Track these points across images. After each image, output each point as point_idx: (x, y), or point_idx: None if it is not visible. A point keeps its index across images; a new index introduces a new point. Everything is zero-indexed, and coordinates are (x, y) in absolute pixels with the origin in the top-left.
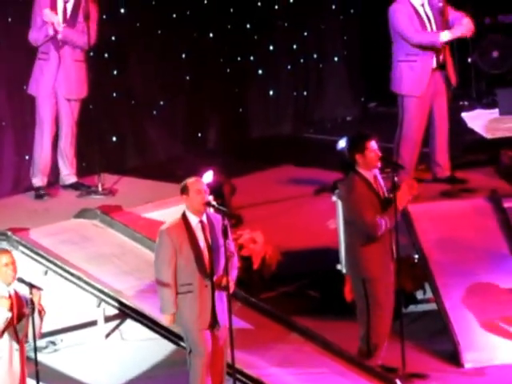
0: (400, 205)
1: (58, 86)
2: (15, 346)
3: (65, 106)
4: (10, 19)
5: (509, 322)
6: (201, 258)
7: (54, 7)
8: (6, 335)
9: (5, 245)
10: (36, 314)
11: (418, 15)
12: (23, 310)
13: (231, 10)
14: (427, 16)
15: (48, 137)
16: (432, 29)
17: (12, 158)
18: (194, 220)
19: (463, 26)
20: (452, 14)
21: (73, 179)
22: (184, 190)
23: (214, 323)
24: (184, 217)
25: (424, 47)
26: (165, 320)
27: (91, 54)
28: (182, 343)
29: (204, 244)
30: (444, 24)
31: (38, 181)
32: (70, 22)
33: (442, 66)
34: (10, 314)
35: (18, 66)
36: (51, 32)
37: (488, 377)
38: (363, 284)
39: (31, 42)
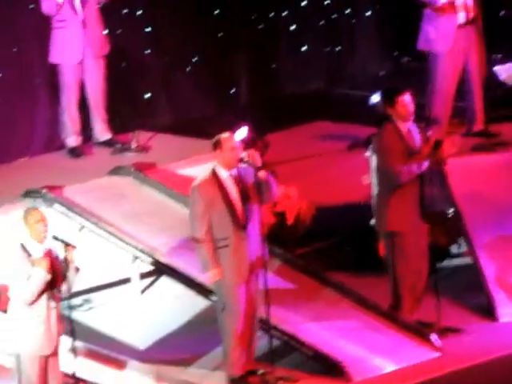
0: (443, 157)
1: (82, 47)
2: (52, 304)
3: (92, 65)
4: None
5: None
6: (234, 211)
7: None
8: (45, 303)
9: (40, 202)
10: (71, 272)
11: None
12: (58, 268)
13: None
14: None
15: (76, 98)
16: None
17: (45, 116)
18: (224, 174)
19: None
20: None
21: (106, 136)
22: (217, 146)
23: (250, 274)
24: (214, 172)
25: (448, 6)
26: (209, 277)
27: (124, 11)
28: (214, 299)
29: (236, 197)
30: None
31: (72, 141)
32: None
33: (470, 22)
34: (49, 276)
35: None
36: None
37: (490, 338)
38: (390, 237)
39: (45, 13)
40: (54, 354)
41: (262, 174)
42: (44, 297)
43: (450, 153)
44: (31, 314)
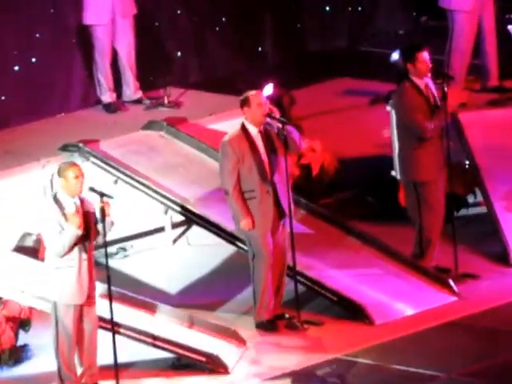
0: (449, 108)
1: (113, 8)
2: (84, 255)
3: (122, 25)
4: None
5: None
6: (262, 166)
7: None
8: (78, 252)
9: (76, 156)
10: (106, 224)
11: None
12: (91, 220)
13: None
14: None
15: (109, 57)
16: None
17: (81, 74)
18: (253, 130)
19: None
20: None
21: (138, 94)
22: (245, 103)
23: (281, 216)
24: (243, 127)
25: None
26: (242, 226)
27: None
28: (245, 247)
29: (264, 152)
30: None
31: (107, 97)
32: None
33: None
34: (80, 232)
35: None
36: None
37: (503, 283)
38: (415, 187)
39: None
40: (89, 301)
41: (289, 128)
42: (76, 249)
43: (455, 104)
44: (63, 264)
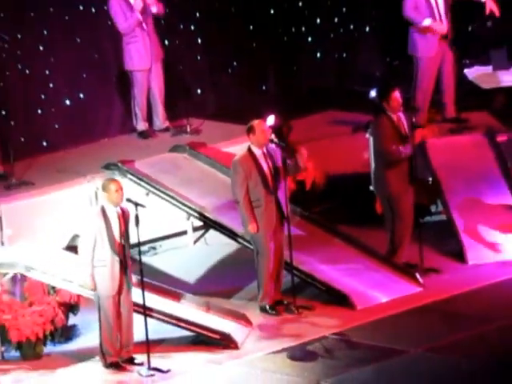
0: (417, 139)
1: (150, 54)
2: (115, 257)
3: (156, 68)
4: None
5: (502, 228)
6: (265, 180)
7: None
8: (108, 247)
9: (116, 173)
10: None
11: (428, 2)
12: (126, 224)
13: None
14: (436, 2)
15: (145, 93)
16: (439, 13)
17: (120, 107)
18: (257, 152)
19: None
20: None
21: (166, 123)
22: (250, 130)
23: (281, 221)
24: (250, 150)
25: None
26: (249, 229)
27: (181, 26)
28: (250, 246)
29: (267, 169)
30: (448, 3)
31: (142, 126)
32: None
33: (446, 36)
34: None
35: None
36: (140, 16)
37: (485, 270)
38: (387, 200)
39: (123, 32)
40: (125, 291)
41: (302, 153)
42: (110, 251)
43: (421, 136)
44: (99, 263)
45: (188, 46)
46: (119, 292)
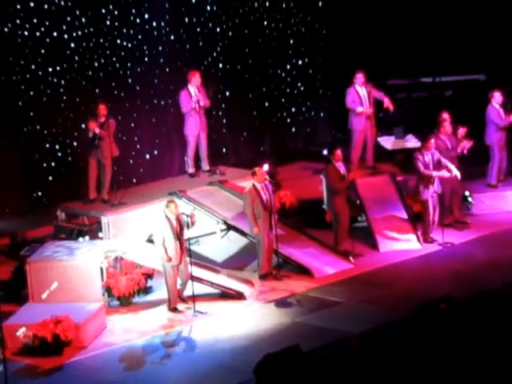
0: (349, 178)
1: (199, 126)
2: (177, 243)
3: (202, 135)
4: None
5: (399, 230)
6: (263, 202)
7: (189, 94)
8: (171, 239)
9: (175, 197)
10: (190, 227)
11: (359, 94)
12: (182, 227)
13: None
14: (363, 95)
15: (194, 150)
16: (366, 102)
17: (179, 157)
18: (258, 186)
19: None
20: (376, 93)
21: (207, 167)
22: (254, 173)
23: (271, 226)
24: (254, 185)
25: (361, 111)
26: (254, 231)
27: (213, 112)
28: (254, 240)
29: (265, 197)
30: (371, 99)
31: (191, 169)
32: (200, 97)
33: (370, 116)
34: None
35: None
36: (195, 105)
37: (390, 255)
38: (334, 214)
39: (185, 111)
40: (182, 264)
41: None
42: (173, 239)
43: (353, 177)
44: (167, 246)
45: (218, 124)
46: (178, 264)
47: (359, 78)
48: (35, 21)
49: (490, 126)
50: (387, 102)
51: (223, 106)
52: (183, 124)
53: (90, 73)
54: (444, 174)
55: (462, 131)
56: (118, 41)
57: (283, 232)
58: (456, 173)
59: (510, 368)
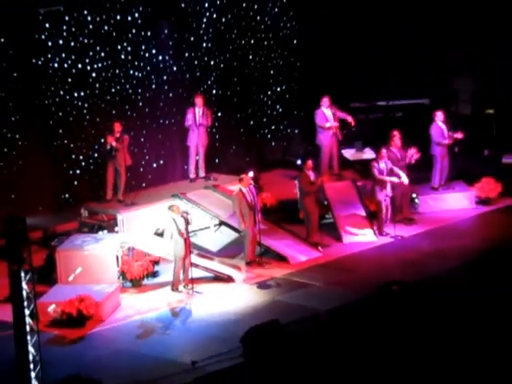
0: (318, 183)
1: (199, 140)
2: (182, 239)
3: (201, 148)
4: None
5: (359, 226)
6: (249, 204)
7: (194, 112)
8: (178, 235)
9: (177, 199)
10: (188, 223)
11: (325, 115)
12: (188, 223)
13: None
14: (329, 115)
15: (194, 159)
16: (331, 120)
17: (181, 165)
18: (244, 190)
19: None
20: (340, 113)
21: (203, 174)
22: (241, 179)
23: (256, 222)
24: (240, 189)
25: (328, 127)
26: (242, 226)
27: (211, 129)
28: (241, 234)
29: (250, 198)
30: (336, 118)
31: (192, 175)
32: (202, 117)
33: (335, 133)
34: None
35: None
36: (196, 121)
37: (351, 246)
38: (305, 212)
39: (187, 126)
40: (187, 255)
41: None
42: (178, 235)
43: (321, 181)
44: (174, 240)
45: (212, 138)
46: (184, 257)
47: (325, 101)
48: (63, 55)
49: (433, 140)
50: (350, 119)
51: (216, 124)
52: (186, 137)
53: (108, 97)
54: (394, 179)
55: (412, 151)
56: (131, 71)
57: (265, 227)
58: (404, 179)
59: (448, 336)
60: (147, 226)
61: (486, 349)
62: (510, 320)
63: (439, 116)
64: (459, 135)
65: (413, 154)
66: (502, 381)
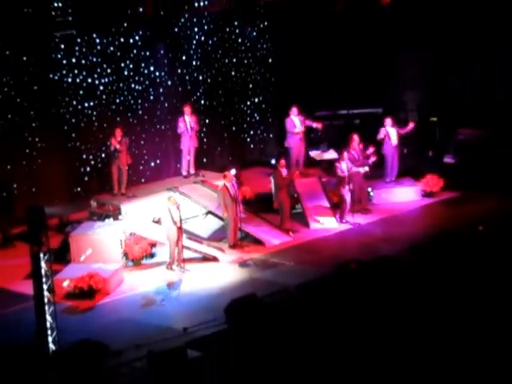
0: (289, 178)
1: (190, 143)
2: (176, 226)
3: (192, 150)
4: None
5: (323, 214)
6: (232, 196)
7: (184, 120)
8: (172, 222)
9: (172, 192)
10: (180, 212)
11: (294, 122)
12: (180, 212)
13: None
14: (297, 122)
15: (186, 159)
16: (299, 127)
17: (174, 163)
18: (228, 185)
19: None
20: (307, 121)
21: (193, 171)
22: (225, 176)
23: (237, 212)
24: (225, 184)
25: (297, 132)
26: (225, 215)
27: (199, 134)
28: (225, 222)
29: (232, 191)
30: (304, 126)
31: (184, 172)
32: (192, 123)
33: (302, 138)
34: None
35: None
36: (188, 127)
37: (317, 232)
38: (279, 203)
39: (179, 132)
40: (180, 238)
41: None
42: (172, 222)
43: (289, 179)
44: (169, 226)
45: (200, 141)
46: (177, 240)
47: (294, 110)
48: (76, 71)
49: (385, 142)
50: (319, 125)
51: (204, 129)
52: (179, 141)
53: (113, 107)
54: (359, 169)
55: (371, 150)
56: (132, 85)
57: (245, 215)
58: (361, 171)
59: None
60: (146, 214)
61: (433, 322)
62: (454, 297)
63: (387, 122)
64: (411, 125)
65: (372, 152)
66: (445, 354)
